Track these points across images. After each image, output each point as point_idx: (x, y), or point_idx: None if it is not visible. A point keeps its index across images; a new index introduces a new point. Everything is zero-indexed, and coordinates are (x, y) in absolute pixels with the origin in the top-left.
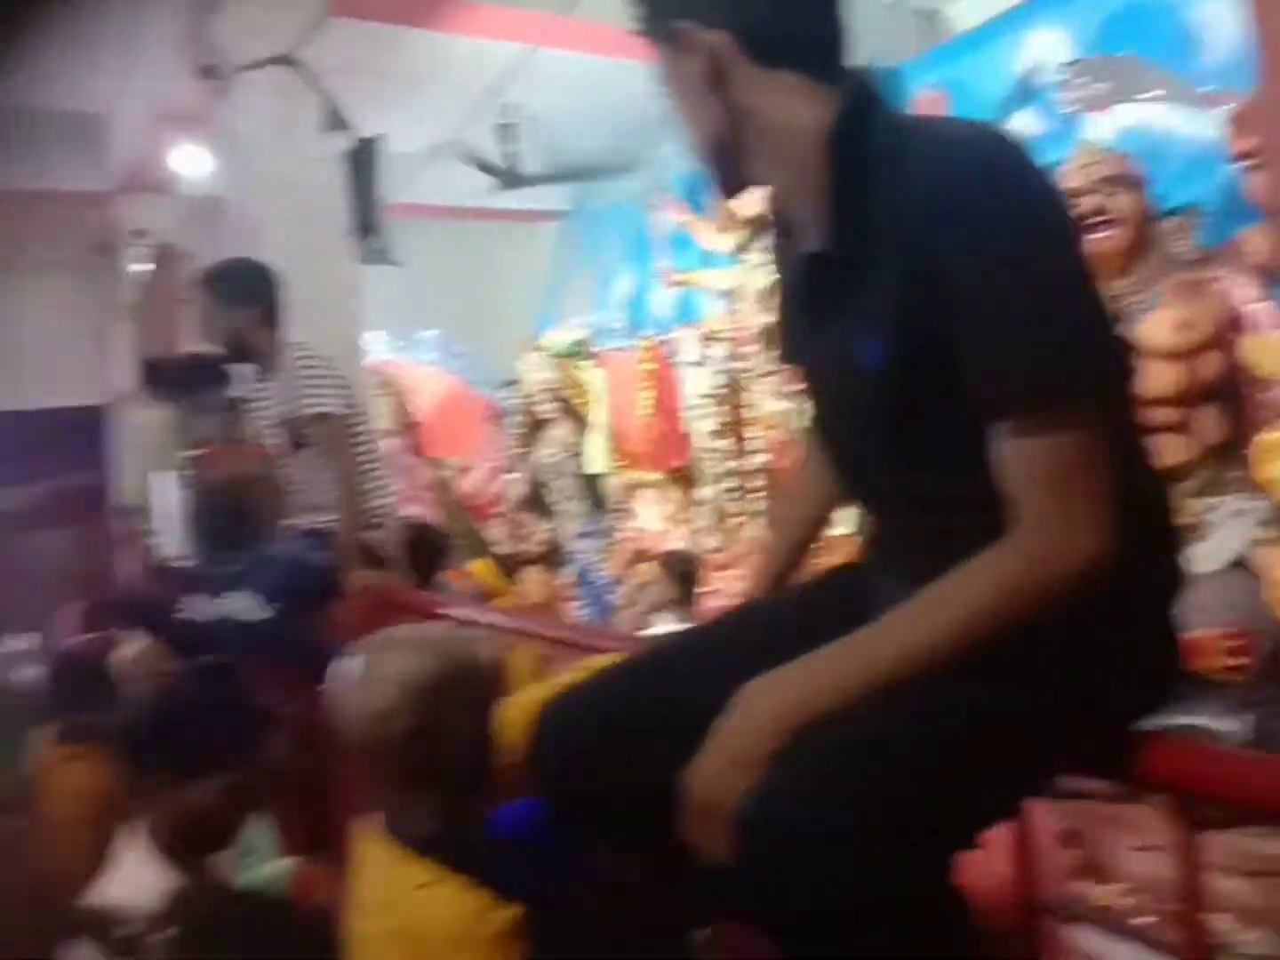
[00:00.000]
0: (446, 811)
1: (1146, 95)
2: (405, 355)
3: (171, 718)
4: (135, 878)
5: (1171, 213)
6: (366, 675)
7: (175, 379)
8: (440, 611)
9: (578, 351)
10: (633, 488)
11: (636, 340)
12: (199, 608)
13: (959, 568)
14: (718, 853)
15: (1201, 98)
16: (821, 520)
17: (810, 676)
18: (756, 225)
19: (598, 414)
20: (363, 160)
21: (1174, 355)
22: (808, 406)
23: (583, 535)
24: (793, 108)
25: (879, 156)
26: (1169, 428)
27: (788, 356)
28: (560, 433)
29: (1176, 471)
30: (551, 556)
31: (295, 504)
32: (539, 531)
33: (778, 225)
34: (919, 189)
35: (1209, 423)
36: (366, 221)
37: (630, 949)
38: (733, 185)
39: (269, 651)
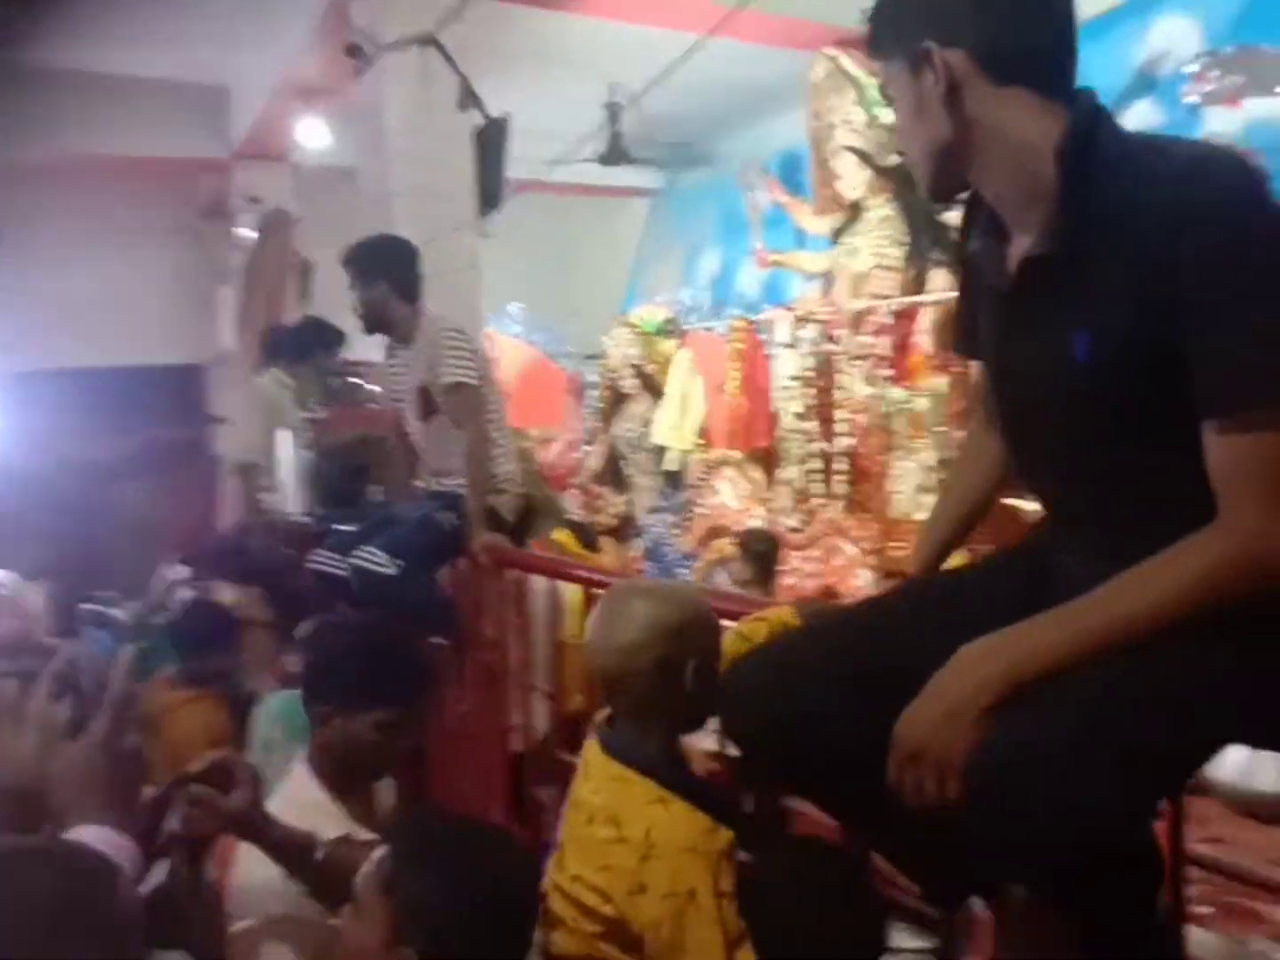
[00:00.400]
0: (670, 741)
1: None
2: (491, 327)
3: (329, 660)
4: (299, 806)
5: None
6: (619, 616)
7: (292, 343)
8: (562, 571)
9: (668, 329)
10: (714, 465)
11: (723, 318)
12: (327, 561)
13: (1167, 549)
14: (923, 798)
15: None
16: (991, 496)
17: (1025, 641)
18: (856, 211)
19: (671, 389)
20: (492, 138)
21: None
22: (986, 396)
23: (656, 510)
24: (1023, 122)
25: (1111, 170)
26: None
27: (966, 349)
28: (640, 408)
29: None
30: (624, 529)
31: (425, 468)
32: (614, 504)
33: (977, 226)
34: (1164, 203)
35: None
36: (492, 197)
37: (819, 891)
38: (948, 191)
39: (394, 605)
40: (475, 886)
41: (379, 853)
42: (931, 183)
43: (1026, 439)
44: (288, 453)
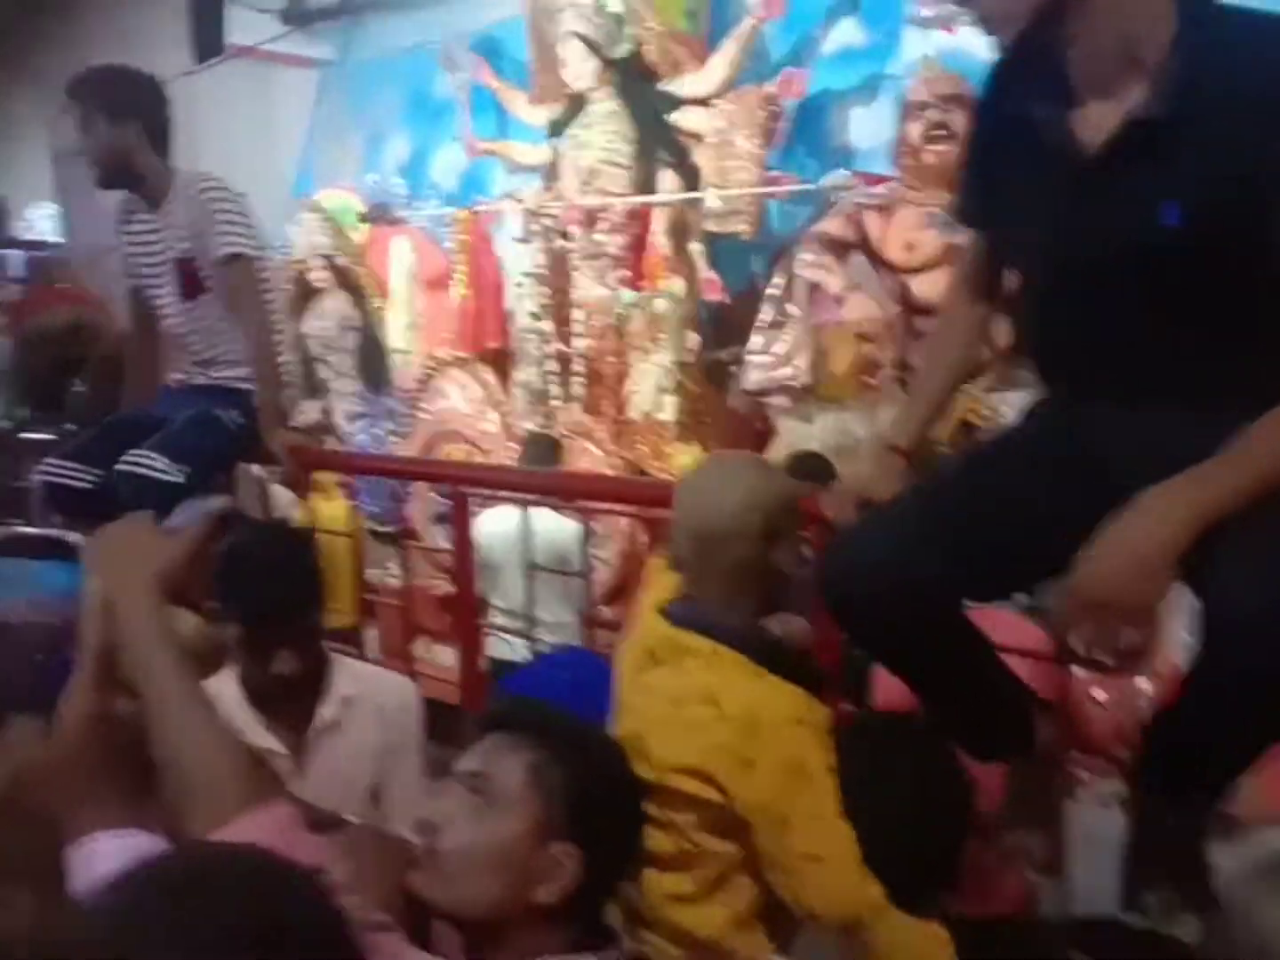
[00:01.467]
0: (758, 614)
1: None
2: None
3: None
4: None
5: None
6: (730, 479)
7: None
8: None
9: (374, 217)
10: (439, 366)
11: (418, 208)
12: (66, 471)
13: None
14: (1107, 645)
15: None
16: (972, 366)
17: (1205, 489)
18: (579, 102)
19: (399, 286)
20: None
21: None
22: (974, 268)
23: (357, 416)
24: None
25: (1223, 37)
26: None
27: (974, 216)
28: (334, 304)
29: (976, 368)
30: (318, 436)
31: (187, 356)
32: (306, 410)
33: (1027, 91)
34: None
35: (1001, 327)
36: (210, 43)
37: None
38: (1017, 41)
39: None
40: (615, 772)
41: (497, 742)
42: (1014, 32)
43: (1086, 307)
44: None
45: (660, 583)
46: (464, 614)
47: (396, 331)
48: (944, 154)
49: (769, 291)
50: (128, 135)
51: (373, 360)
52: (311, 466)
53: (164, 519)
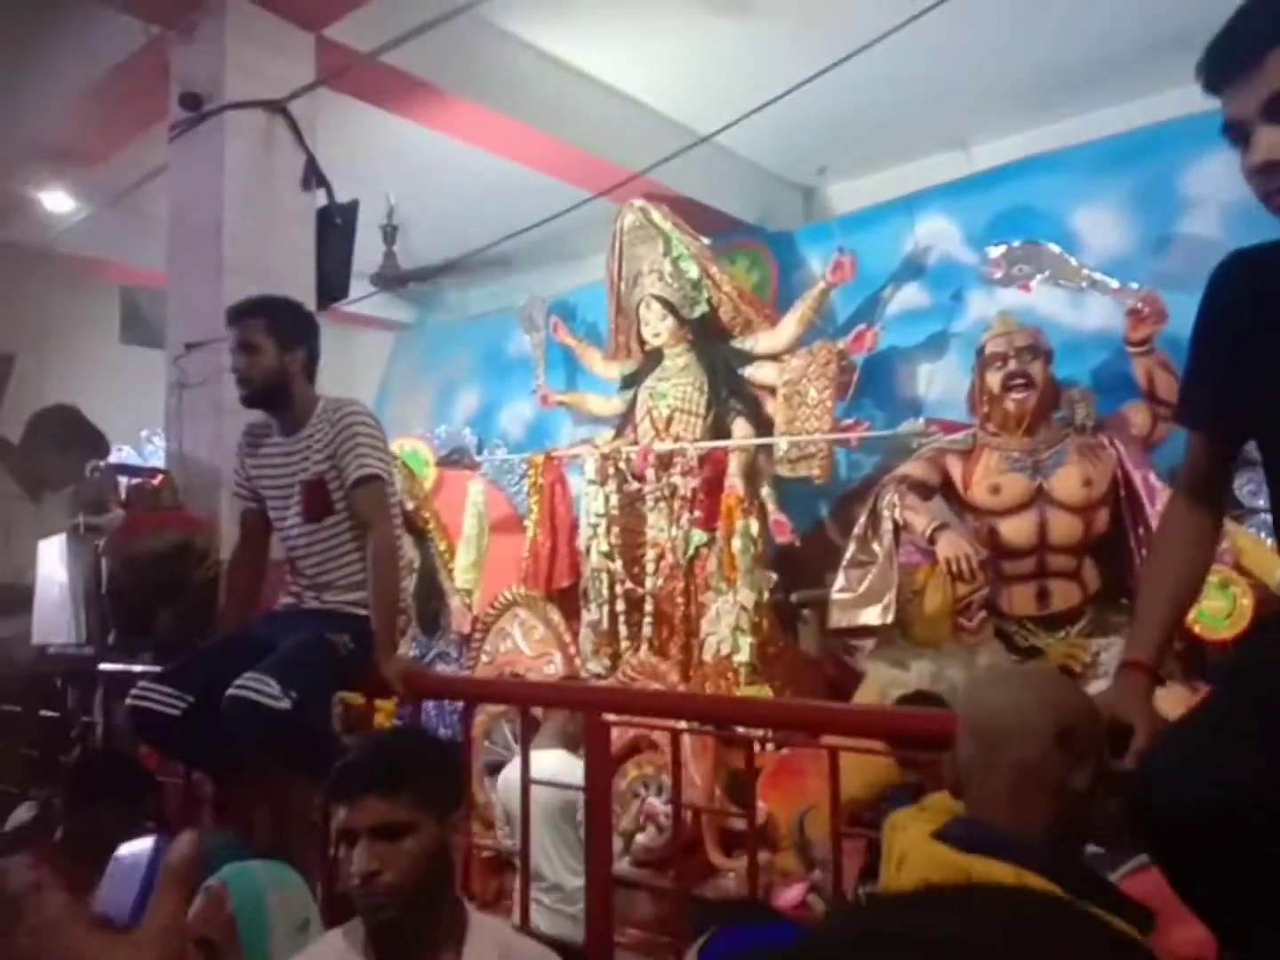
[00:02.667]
0: (1057, 837)
1: (1071, 283)
2: None
3: None
4: None
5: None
6: (1014, 682)
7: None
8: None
9: (453, 460)
10: (503, 607)
11: (496, 455)
12: (156, 697)
13: None
14: None
15: (1091, 289)
16: (1205, 573)
17: None
18: (655, 357)
19: (468, 526)
20: (340, 224)
21: (1077, 508)
22: (1197, 473)
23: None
24: None
25: None
26: (1064, 574)
27: (1200, 420)
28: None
29: (1069, 614)
30: None
31: (299, 580)
32: None
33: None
34: None
35: (1092, 571)
36: (336, 287)
37: None
38: None
39: (288, 745)
40: None
41: None
42: None
43: None
44: (52, 570)
45: (913, 824)
46: (597, 867)
47: (461, 571)
48: (1023, 401)
49: (855, 531)
50: (292, 361)
51: (430, 604)
52: (425, 694)
53: (268, 746)
